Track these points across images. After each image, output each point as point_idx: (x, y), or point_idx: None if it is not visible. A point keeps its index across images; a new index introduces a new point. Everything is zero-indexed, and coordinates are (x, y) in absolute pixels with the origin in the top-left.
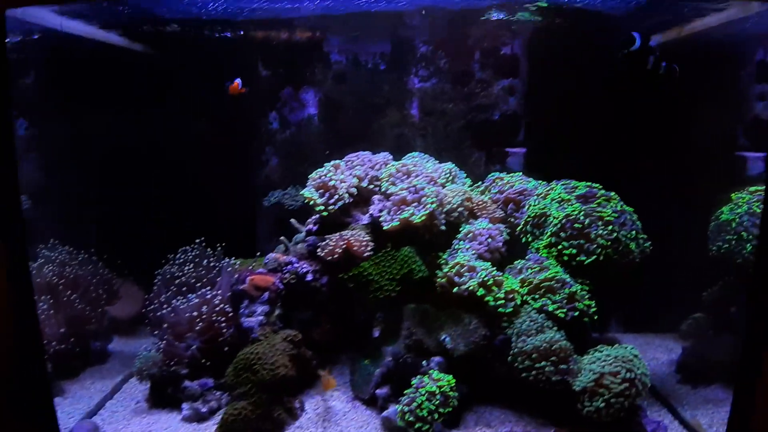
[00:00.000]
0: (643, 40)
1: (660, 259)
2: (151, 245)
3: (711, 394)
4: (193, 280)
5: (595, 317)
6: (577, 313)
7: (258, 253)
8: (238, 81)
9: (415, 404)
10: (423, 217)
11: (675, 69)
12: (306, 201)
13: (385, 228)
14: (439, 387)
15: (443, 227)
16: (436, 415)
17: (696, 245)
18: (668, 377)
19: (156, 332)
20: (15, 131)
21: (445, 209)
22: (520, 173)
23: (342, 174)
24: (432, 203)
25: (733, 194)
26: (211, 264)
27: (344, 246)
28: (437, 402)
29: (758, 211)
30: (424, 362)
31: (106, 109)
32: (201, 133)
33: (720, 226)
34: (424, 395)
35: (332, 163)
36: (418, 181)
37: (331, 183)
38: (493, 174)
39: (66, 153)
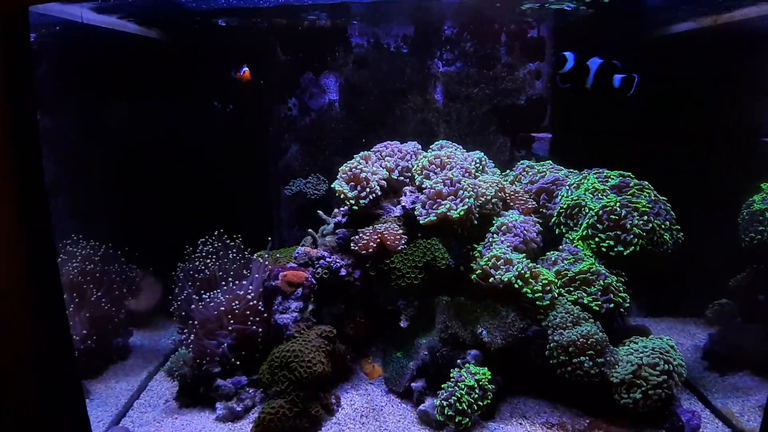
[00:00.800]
0: (578, 60)
1: (682, 245)
2: (168, 235)
3: (740, 381)
4: (219, 273)
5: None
6: (612, 305)
7: (269, 238)
8: (246, 69)
9: (454, 398)
10: (462, 213)
11: (634, 78)
12: (336, 194)
13: (421, 222)
14: (477, 381)
15: (476, 222)
16: (475, 407)
17: (719, 232)
18: (695, 364)
19: (185, 330)
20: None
21: (479, 202)
22: (550, 161)
23: (372, 166)
24: (470, 197)
25: (763, 184)
26: (234, 256)
27: (378, 240)
28: (476, 395)
29: None
30: (459, 357)
31: (121, 99)
32: (219, 122)
33: (753, 215)
34: (463, 389)
35: (362, 154)
36: (453, 173)
37: (363, 175)
38: (522, 162)
39: (80, 144)
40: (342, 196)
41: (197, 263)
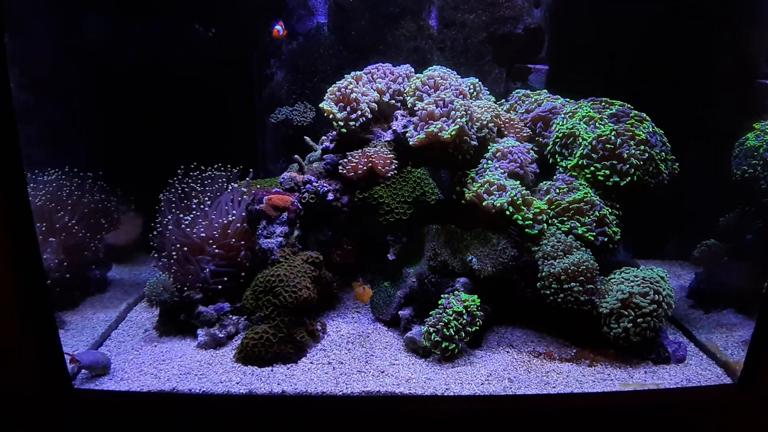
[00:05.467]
0: None
1: (670, 186)
2: (149, 168)
3: (724, 319)
4: (206, 200)
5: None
6: (606, 238)
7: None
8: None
9: (441, 324)
10: (453, 132)
11: None
12: (325, 114)
13: (411, 143)
14: (466, 307)
15: (475, 142)
16: (462, 334)
17: (709, 173)
18: (680, 302)
19: (164, 256)
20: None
21: (475, 126)
22: (546, 91)
23: (363, 86)
24: (462, 117)
25: (755, 124)
26: (220, 184)
27: (368, 163)
28: (464, 321)
29: None
30: (448, 285)
31: (98, 19)
32: (201, 46)
33: (746, 151)
34: (451, 315)
35: (353, 74)
36: (447, 94)
37: (353, 96)
38: (518, 91)
39: (54, 70)
40: (331, 116)
41: (179, 190)
